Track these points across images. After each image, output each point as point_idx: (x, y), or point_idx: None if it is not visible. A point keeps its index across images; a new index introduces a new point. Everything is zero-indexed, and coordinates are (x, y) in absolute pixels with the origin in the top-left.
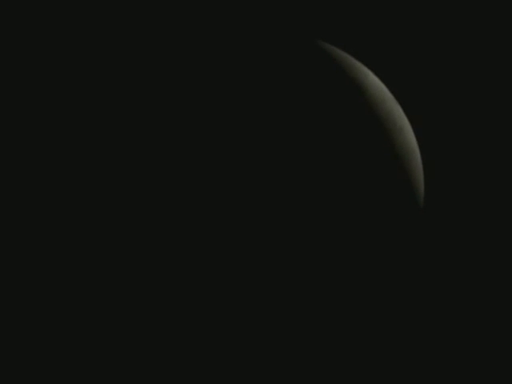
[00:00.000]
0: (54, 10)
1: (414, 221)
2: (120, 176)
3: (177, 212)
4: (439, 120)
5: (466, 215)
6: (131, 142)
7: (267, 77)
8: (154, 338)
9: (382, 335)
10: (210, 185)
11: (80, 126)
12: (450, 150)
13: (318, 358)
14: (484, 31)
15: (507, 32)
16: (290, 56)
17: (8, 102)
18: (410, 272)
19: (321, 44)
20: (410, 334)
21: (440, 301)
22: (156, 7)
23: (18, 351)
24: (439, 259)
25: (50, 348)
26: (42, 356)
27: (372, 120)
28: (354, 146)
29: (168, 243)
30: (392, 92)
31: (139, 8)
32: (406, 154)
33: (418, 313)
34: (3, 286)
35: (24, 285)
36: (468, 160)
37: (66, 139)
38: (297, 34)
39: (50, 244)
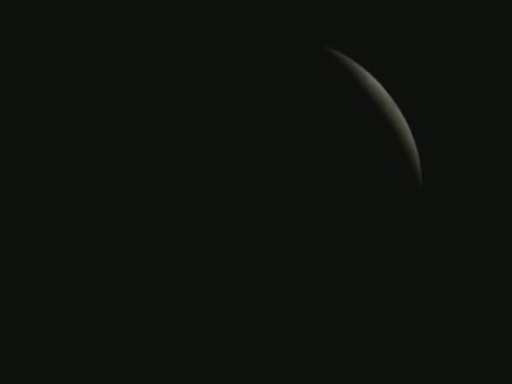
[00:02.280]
0: (53, 10)
1: (412, 221)
2: (120, 176)
3: (177, 212)
4: (437, 122)
5: (463, 215)
6: (131, 141)
7: (273, 78)
8: (154, 338)
9: (382, 322)
10: (220, 185)
11: (80, 126)
12: (447, 152)
13: (318, 353)
14: (481, 36)
15: (505, 35)
16: (292, 58)
17: (8, 102)
18: (404, 274)
19: (320, 47)
20: (410, 322)
21: (441, 287)
22: (158, 8)
23: (18, 351)
24: (436, 259)
25: (50, 348)
26: (42, 356)
27: (372, 121)
28: (354, 144)
29: (168, 243)
30: (390, 94)
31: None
32: (404, 154)
33: (419, 296)
34: (3, 286)
35: (24, 285)
36: (466, 163)
37: (66, 139)
38: (298, 37)
39: (50, 244)
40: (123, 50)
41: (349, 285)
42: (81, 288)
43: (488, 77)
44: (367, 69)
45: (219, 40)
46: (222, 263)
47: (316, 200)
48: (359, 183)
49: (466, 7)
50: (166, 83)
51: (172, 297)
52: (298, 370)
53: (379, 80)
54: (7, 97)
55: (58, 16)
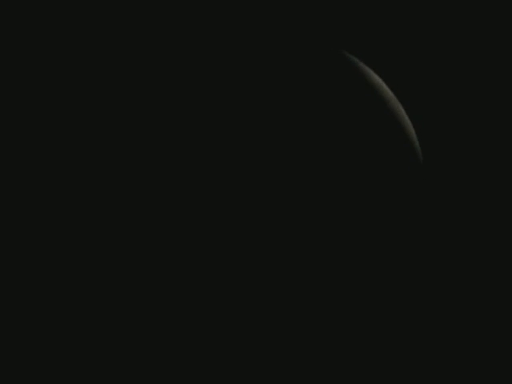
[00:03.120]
0: (53, 10)
1: (413, 216)
2: (120, 176)
3: (177, 212)
4: (440, 120)
5: (465, 213)
6: (132, 141)
7: (278, 77)
8: (154, 338)
9: (383, 306)
10: (226, 185)
11: (80, 126)
12: (450, 151)
13: (318, 352)
14: (484, 31)
15: (507, 31)
16: (294, 56)
17: (8, 102)
18: (407, 280)
19: (323, 45)
20: (411, 308)
21: (441, 282)
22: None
23: (17, 351)
24: (437, 261)
25: (50, 348)
26: (42, 356)
27: (376, 118)
28: (360, 140)
29: (168, 243)
30: (393, 92)
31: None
32: (407, 150)
33: (420, 286)
34: (3, 286)
35: (24, 285)
36: (468, 159)
37: (66, 139)
38: (301, 35)
39: (50, 244)
40: (123, 49)
41: (350, 274)
42: (81, 288)
43: (492, 72)
44: (369, 65)
45: (228, 42)
46: (223, 262)
47: (320, 192)
48: (365, 176)
49: (465, 7)
50: (170, 84)
51: (172, 297)
52: (298, 370)
53: (381, 77)
54: (7, 97)
55: (57, 16)
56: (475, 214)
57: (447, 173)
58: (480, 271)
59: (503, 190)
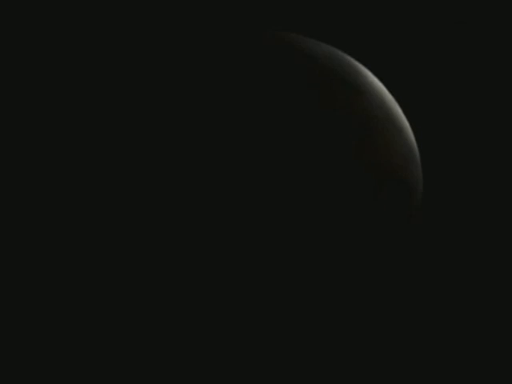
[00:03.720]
0: (53, 10)
1: (412, 220)
2: (119, 176)
3: (176, 212)
4: (439, 121)
5: (464, 215)
6: (129, 142)
7: (262, 79)
8: (154, 338)
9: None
10: (216, 186)
11: (80, 126)
12: (448, 151)
13: (318, 351)
14: (483, 33)
15: (507, 33)
16: (287, 57)
17: (8, 102)
18: (404, 274)
19: (319, 44)
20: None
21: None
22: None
23: (17, 351)
24: (436, 259)
25: (50, 348)
26: (42, 356)
27: (371, 120)
28: (350, 145)
29: (167, 243)
30: (391, 93)
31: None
32: (405, 154)
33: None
34: (3, 286)
35: (23, 285)
36: (467, 161)
37: (66, 139)
38: (295, 35)
39: (49, 244)
40: (118, 50)
41: (345, 286)
42: (80, 288)
43: (492, 74)
44: (367, 66)
45: (202, 38)
46: (220, 262)
47: (314, 197)
48: (358, 179)
49: (465, 6)
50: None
51: (171, 296)
52: (298, 370)
53: (380, 78)
54: (7, 97)
55: (57, 16)
56: (475, 212)
57: (447, 175)
58: (479, 277)
59: (504, 188)
